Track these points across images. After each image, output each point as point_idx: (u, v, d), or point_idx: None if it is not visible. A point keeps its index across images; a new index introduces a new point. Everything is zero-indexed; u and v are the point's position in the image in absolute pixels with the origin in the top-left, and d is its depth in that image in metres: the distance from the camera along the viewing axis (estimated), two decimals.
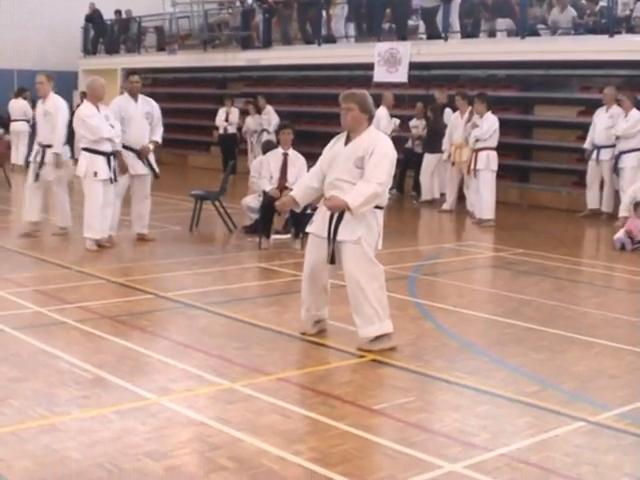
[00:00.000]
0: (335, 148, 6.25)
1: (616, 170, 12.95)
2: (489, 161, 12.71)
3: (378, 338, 6.12)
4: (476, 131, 12.71)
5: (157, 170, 10.54)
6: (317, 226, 6.24)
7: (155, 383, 5.31)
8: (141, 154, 10.26)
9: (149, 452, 4.26)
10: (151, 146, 10.44)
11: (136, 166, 10.27)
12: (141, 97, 10.50)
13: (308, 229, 6.39)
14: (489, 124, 12.67)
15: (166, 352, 5.99)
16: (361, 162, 6.01)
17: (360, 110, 6.10)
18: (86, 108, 9.82)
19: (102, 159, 9.70)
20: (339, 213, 6.03)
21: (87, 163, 9.71)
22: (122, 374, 5.47)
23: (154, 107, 10.58)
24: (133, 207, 10.55)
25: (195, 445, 4.38)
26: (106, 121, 9.75)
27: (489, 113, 12.75)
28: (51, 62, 24.42)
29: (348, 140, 6.18)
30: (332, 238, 6.06)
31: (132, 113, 10.25)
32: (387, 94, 15.60)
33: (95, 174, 9.66)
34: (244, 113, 19.26)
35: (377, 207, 6.11)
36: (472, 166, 12.81)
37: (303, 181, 6.67)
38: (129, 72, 10.95)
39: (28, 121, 19.14)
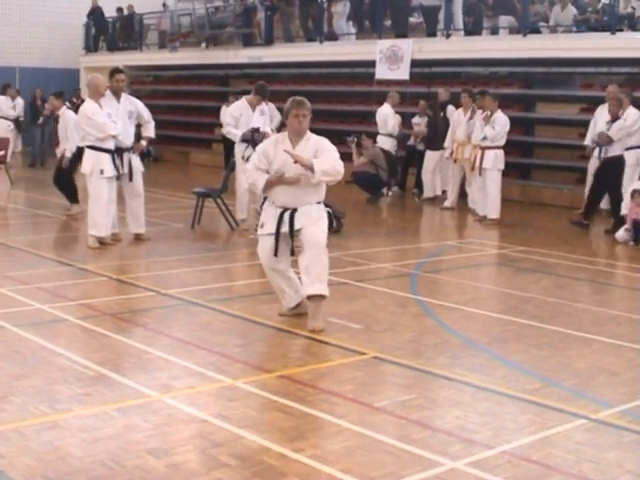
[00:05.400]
0: (279, 153, 6.54)
1: None
2: (496, 160, 12.55)
3: (317, 309, 6.48)
4: (488, 131, 12.43)
5: (139, 168, 10.24)
6: (268, 227, 6.62)
7: (157, 380, 5.32)
8: (134, 151, 10.13)
9: (151, 449, 4.27)
10: (144, 142, 10.36)
11: (120, 165, 10.01)
12: (124, 96, 10.15)
13: (259, 231, 6.75)
14: (502, 125, 12.44)
15: (168, 349, 5.99)
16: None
17: (310, 116, 6.59)
18: (90, 105, 9.73)
19: (107, 156, 9.68)
20: (290, 212, 6.48)
21: (93, 161, 9.66)
22: (124, 371, 5.48)
23: (138, 105, 10.27)
24: (127, 205, 10.35)
25: (197, 442, 4.38)
26: (109, 118, 9.72)
27: (500, 112, 12.51)
28: (53, 59, 24.46)
29: (292, 144, 6.55)
30: (290, 232, 6.50)
31: (114, 112, 9.83)
32: (393, 93, 15.64)
33: (102, 172, 9.63)
34: None
35: (320, 202, 6.63)
36: (477, 164, 12.70)
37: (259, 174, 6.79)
38: (114, 70, 10.24)
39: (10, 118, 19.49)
